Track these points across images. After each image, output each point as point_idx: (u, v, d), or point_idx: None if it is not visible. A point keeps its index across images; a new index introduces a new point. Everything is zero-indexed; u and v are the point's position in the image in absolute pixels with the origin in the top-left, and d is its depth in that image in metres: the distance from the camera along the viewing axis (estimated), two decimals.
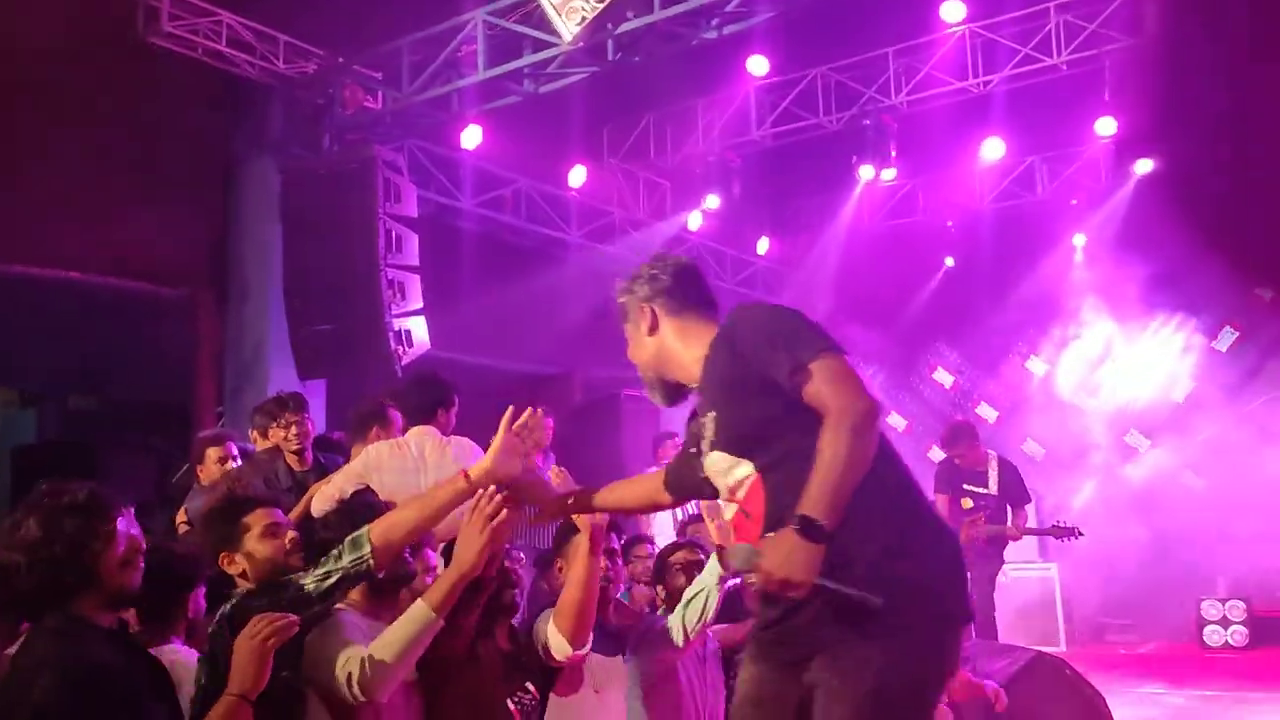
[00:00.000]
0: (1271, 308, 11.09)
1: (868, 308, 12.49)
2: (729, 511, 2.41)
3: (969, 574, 2.30)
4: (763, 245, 12.19)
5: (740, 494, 2.33)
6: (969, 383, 12.62)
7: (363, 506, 3.13)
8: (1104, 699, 5.91)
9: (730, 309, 2.45)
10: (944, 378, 12.82)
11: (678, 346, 2.51)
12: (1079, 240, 11.69)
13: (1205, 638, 8.65)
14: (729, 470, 2.35)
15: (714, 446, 2.36)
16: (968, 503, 6.98)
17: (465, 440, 4.81)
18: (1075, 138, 10.82)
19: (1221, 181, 10.29)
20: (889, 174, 10.47)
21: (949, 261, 12.45)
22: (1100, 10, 8.73)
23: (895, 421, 12.45)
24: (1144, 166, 9.97)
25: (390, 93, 8.31)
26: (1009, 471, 7.09)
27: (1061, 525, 7.20)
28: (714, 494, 2.48)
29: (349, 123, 8.37)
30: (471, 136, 8.56)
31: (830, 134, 10.01)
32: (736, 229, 11.49)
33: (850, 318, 12.44)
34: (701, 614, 3.59)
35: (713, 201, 10.40)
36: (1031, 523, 7.54)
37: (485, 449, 2.87)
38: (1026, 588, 8.84)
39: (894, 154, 9.77)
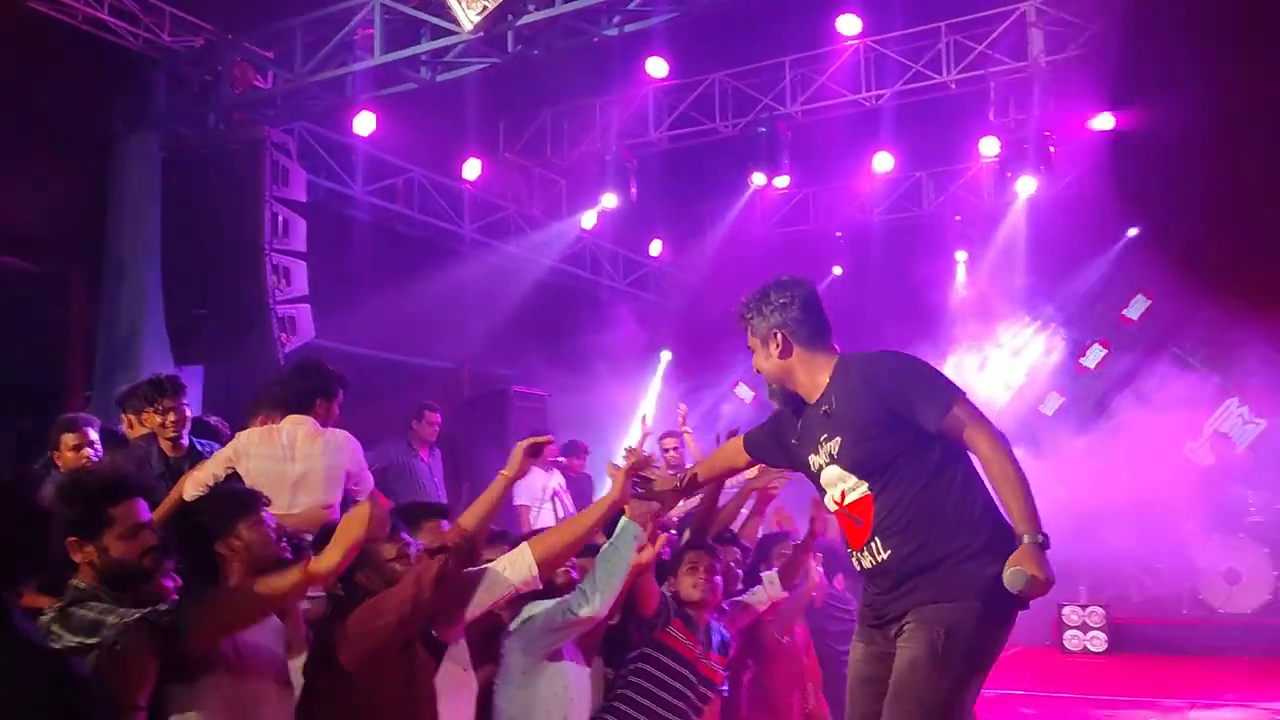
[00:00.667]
0: (1140, 326, 11.66)
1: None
2: (831, 507, 3.05)
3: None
4: (655, 247, 12.27)
5: (848, 502, 2.97)
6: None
7: (228, 493, 3.03)
8: None
9: (862, 352, 3.06)
10: (745, 393, 13.10)
11: (804, 372, 3.06)
12: (961, 256, 12.09)
13: (1065, 642, 8.99)
14: (842, 482, 2.97)
15: (833, 461, 2.97)
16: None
17: (342, 434, 4.70)
18: (961, 155, 11.20)
19: (1096, 201, 10.79)
20: (782, 181, 10.64)
21: (837, 270, 12.72)
22: (988, 32, 9.06)
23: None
24: (1026, 186, 10.34)
25: (281, 73, 8.07)
26: None
27: None
28: (786, 467, 3.41)
29: (237, 102, 8.10)
30: (365, 123, 8.38)
31: (725, 139, 10.14)
32: (630, 230, 11.52)
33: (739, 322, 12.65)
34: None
35: (610, 201, 10.41)
36: None
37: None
38: None
39: (787, 162, 9.95)
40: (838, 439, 2.95)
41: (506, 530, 4.16)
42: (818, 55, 9.66)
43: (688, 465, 8.13)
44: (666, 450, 8.28)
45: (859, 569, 3.03)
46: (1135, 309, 11.67)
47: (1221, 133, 9.93)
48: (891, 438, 2.88)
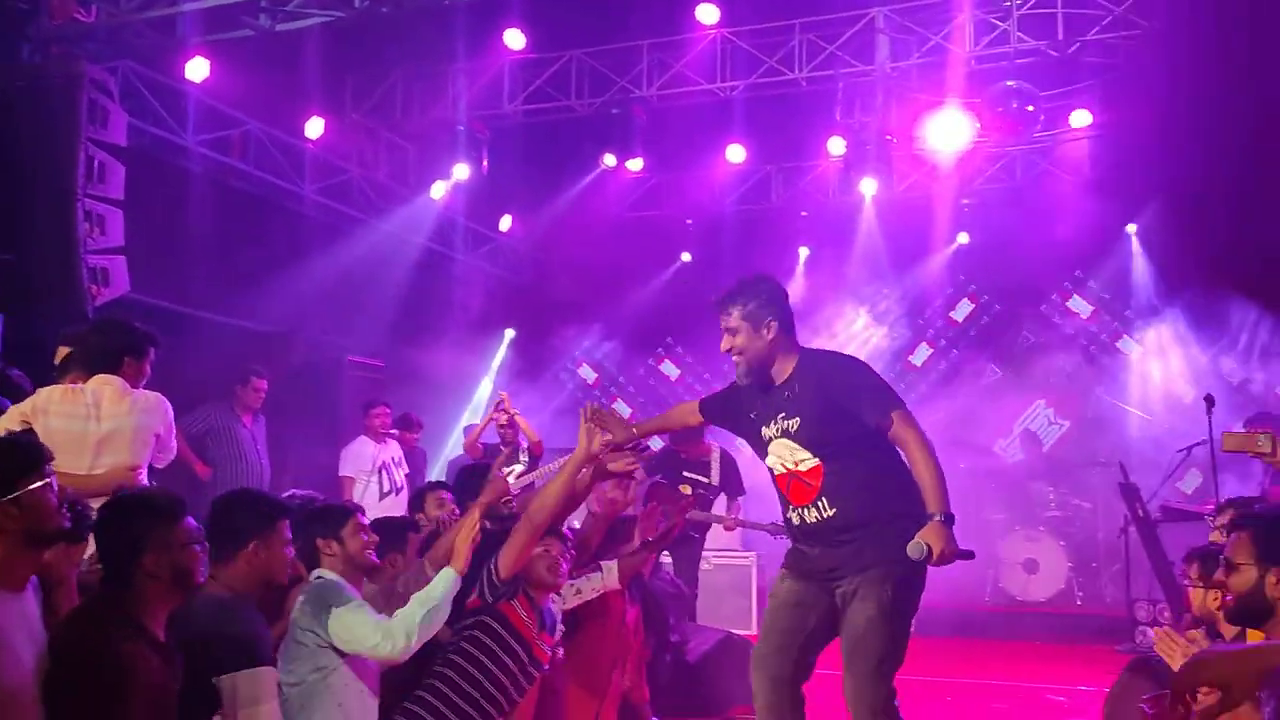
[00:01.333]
0: (964, 329, 12.24)
1: (606, 294, 12.72)
2: (779, 470, 3.68)
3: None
4: (505, 222, 12.10)
5: (801, 469, 3.62)
6: (694, 377, 13.10)
7: (17, 447, 2.79)
8: None
9: (826, 351, 4.03)
10: (670, 370, 13.25)
11: (778, 358, 3.67)
12: (803, 251, 12.40)
13: None
14: (791, 453, 3.63)
15: (787, 435, 3.62)
16: (687, 489, 7.23)
17: (153, 395, 4.45)
18: (810, 152, 11.47)
19: (934, 205, 11.26)
20: (635, 164, 10.68)
21: (686, 257, 12.87)
22: (839, 34, 9.29)
23: (620, 409, 12.74)
24: (869, 187, 10.66)
25: (106, 6, 7.56)
26: (729, 464, 7.41)
27: (778, 525, 7.60)
28: (730, 429, 4.00)
29: (55, 34, 7.53)
30: (198, 69, 7.94)
31: (580, 118, 10.08)
32: (480, 203, 11.32)
33: (587, 302, 12.64)
34: None
35: (461, 172, 10.21)
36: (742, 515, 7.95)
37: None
38: (726, 574, 9.26)
39: (641, 145, 9.97)
40: (796, 419, 3.62)
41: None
42: (676, 41, 9.70)
43: (522, 445, 8.14)
44: (501, 427, 8.22)
45: (798, 522, 3.67)
46: (961, 311, 12.24)
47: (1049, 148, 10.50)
48: (841, 425, 3.57)
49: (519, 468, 8.14)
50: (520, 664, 3.92)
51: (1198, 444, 7.46)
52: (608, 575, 4.75)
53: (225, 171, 9.13)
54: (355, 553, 3.66)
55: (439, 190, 10.79)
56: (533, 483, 8.21)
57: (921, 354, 12.30)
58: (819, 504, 3.58)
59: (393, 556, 4.15)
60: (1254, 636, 3.04)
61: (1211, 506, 6.32)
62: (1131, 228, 11.28)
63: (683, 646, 6.16)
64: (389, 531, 4.16)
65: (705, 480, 7.31)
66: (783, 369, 3.67)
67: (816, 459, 3.58)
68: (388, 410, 8.50)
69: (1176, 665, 3.16)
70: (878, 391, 3.64)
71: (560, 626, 4.38)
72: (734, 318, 3.66)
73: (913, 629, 3.52)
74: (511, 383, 8.91)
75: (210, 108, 8.78)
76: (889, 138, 9.96)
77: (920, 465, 3.49)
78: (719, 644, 6.30)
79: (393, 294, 10.32)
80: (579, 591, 4.65)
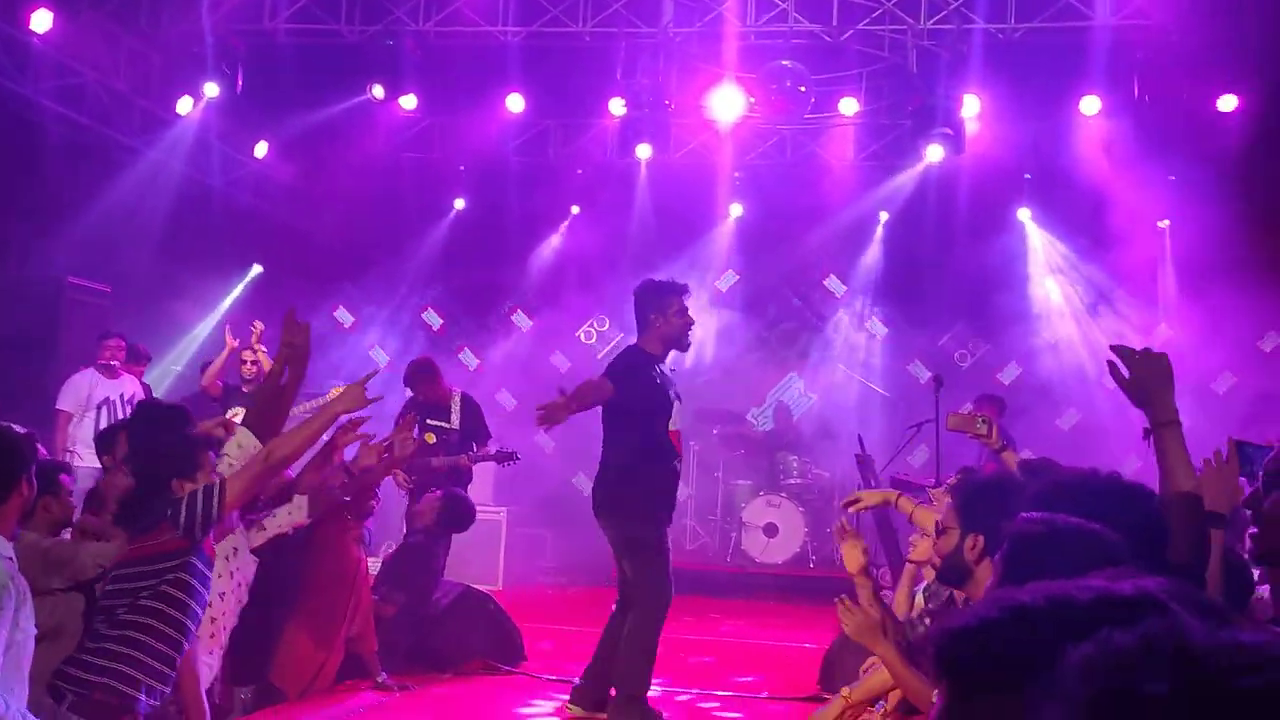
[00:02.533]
0: (726, 297, 12.54)
1: (374, 235, 12.18)
2: (675, 426, 5.37)
3: None
4: (261, 149, 11.29)
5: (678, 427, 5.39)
6: (458, 329, 12.81)
7: None
8: (520, 632, 6.25)
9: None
10: (433, 319, 12.89)
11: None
12: (575, 209, 12.32)
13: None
14: (678, 416, 5.42)
15: (678, 399, 5.40)
16: (431, 437, 7.09)
17: None
18: (591, 110, 11.36)
19: (709, 176, 11.44)
20: (408, 102, 10.22)
21: (459, 204, 12.52)
22: None
23: (378, 357, 12.29)
24: (644, 151, 10.68)
25: None
26: (470, 408, 7.33)
27: (503, 451, 7.55)
28: (638, 397, 5.26)
29: None
30: None
31: (350, 45, 9.54)
32: (233, 125, 10.50)
33: (350, 242, 12.06)
34: None
35: (211, 90, 9.43)
36: (490, 477, 7.85)
37: None
38: (476, 528, 9.13)
39: (415, 82, 9.54)
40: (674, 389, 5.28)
41: None
42: None
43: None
44: (245, 363, 7.76)
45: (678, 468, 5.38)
46: (725, 282, 12.55)
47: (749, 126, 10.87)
48: None
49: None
50: (204, 604, 3.68)
51: (926, 421, 7.94)
52: (296, 511, 4.55)
53: None
54: None
55: (186, 106, 9.94)
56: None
57: None
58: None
59: (45, 500, 3.79)
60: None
61: (933, 481, 6.76)
62: (884, 215, 11.88)
63: (422, 601, 6.01)
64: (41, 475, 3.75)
65: (446, 426, 7.22)
66: (668, 349, 5.36)
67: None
68: (121, 342, 7.89)
69: (848, 629, 3.62)
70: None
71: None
72: (657, 306, 5.23)
73: None
74: (258, 321, 8.33)
75: None
76: (668, 103, 10.01)
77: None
78: (458, 598, 6.18)
79: (124, 211, 9.42)
80: (263, 529, 4.41)
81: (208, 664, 4.07)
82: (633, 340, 5.51)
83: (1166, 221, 10.77)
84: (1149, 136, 9.59)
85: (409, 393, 7.35)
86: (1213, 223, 9.60)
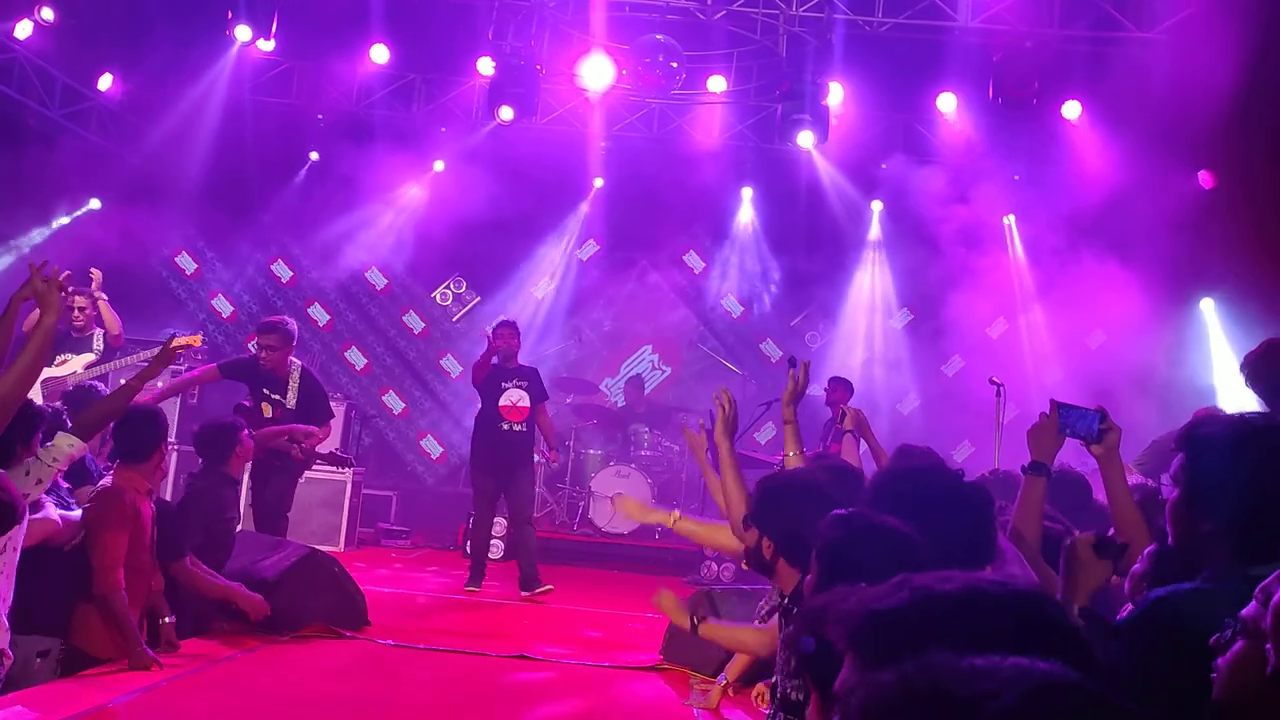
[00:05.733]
0: (585, 268, 12.54)
1: (221, 179, 11.61)
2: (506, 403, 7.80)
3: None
4: (105, 81, 10.63)
5: (522, 404, 7.89)
6: (307, 282, 12.40)
7: None
8: (363, 594, 6.14)
9: None
10: (283, 271, 12.44)
11: None
12: (439, 165, 12.06)
13: (466, 549, 9.48)
14: (520, 397, 7.88)
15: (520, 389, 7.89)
16: (267, 409, 6.75)
17: None
18: (458, 68, 11.12)
19: (574, 147, 11.38)
20: (267, 45, 9.80)
21: (314, 155, 12.08)
22: None
23: (222, 306, 11.77)
24: (506, 114, 10.56)
25: None
26: (310, 386, 6.88)
27: (338, 454, 7.44)
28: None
29: None
30: None
31: None
32: (73, 53, 9.84)
33: (197, 185, 11.47)
34: None
35: (47, 13, 8.80)
36: (336, 437, 7.70)
37: None
38: (321, 489, 8.92)
39: (273, 23, 9.13)
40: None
41: None
42: None
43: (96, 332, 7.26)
44: (73, 310, 7.29)
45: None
46: (586, 252, 12.55)
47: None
48: None
49: (90, 356, 7.27)
50: None
51: (775, 400, 8.14)
52: (70, 446, 4.23)
53: None
54: None
55: (24, 30, 9.28)
56: (107, 375, 7.37)
57: (544, 288, 12.48)
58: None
59: None
60: None
61: (779, 458, 6.94)
62: (747, 192, 12.09)
63: (258, 563, 5.83)
64: None
65: (280, 400, 6.77)
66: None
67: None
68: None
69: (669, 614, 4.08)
70: None
71: None
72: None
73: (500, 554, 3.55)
74: (93, 263, 7.83)
75: None
76: (539, 67, 9.90)
77: None
78: (299, 561, 6.01)
79: None
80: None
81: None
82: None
83: (1012, 217, 11.29)
84: (998, 136, 10.05)
85: (253, 349, 6.98)
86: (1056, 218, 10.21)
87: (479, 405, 7.93)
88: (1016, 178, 10.57)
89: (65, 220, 11.05)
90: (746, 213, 12.25)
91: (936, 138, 10.67)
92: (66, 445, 4.17)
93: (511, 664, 5.49)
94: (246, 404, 6.83)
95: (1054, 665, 0.93)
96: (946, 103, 9.96)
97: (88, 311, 7.34)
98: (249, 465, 6.40)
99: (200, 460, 5.78)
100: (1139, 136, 9.10)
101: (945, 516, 2.47)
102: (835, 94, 9.68)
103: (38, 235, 10.86)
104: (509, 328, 7.96)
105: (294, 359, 6.92)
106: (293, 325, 6.95)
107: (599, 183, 12.17)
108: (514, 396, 7.74)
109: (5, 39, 9.36)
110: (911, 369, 11.88)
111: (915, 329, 11.98)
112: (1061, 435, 2.87)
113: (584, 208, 12.37)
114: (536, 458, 8.36)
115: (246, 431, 5.81)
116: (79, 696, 4.06)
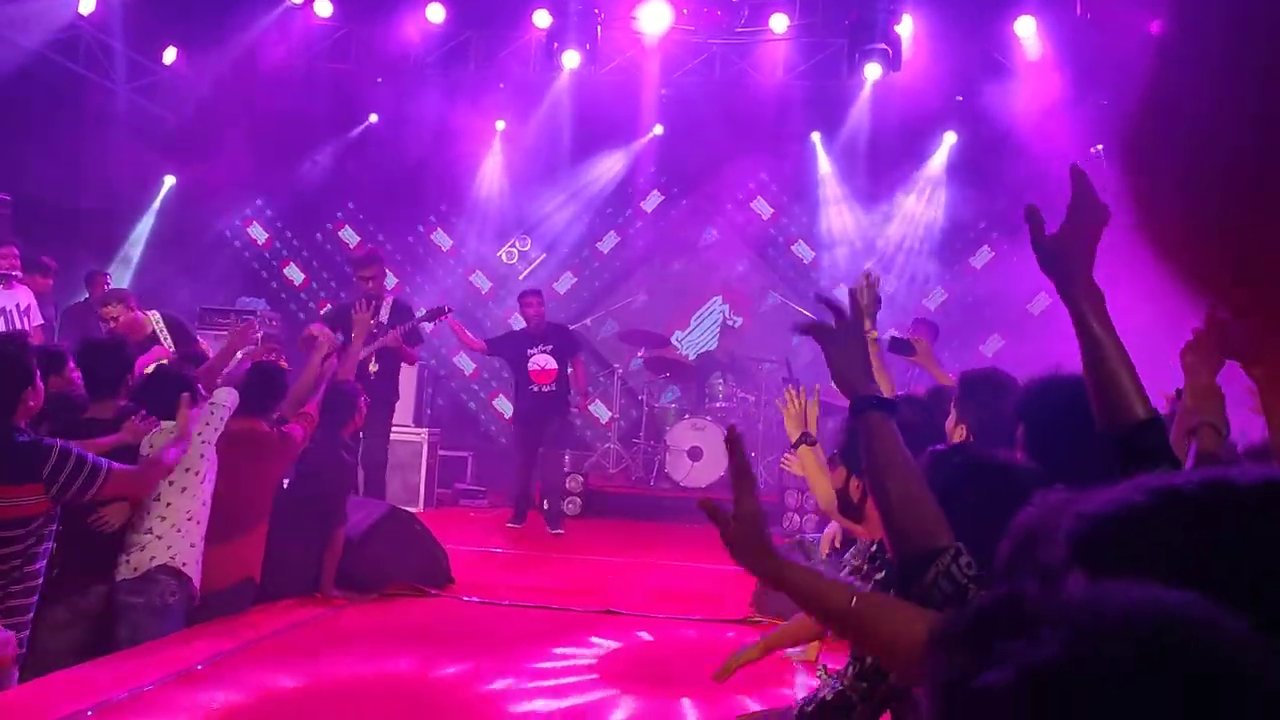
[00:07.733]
0: (651, 219, 12.34)
1: (285, 148, 11.63)
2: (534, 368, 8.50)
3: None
4: (170, 54, 10.67)
5: (550, 366, 8.45)
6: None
7: None
8: (446, 552, 6.11)
9: None
10: (349, 236, 12.45)
11: None
12: (500, 124, 11.93)
13: (543, 505, 9.46)
14: (545, 360, 8.57)
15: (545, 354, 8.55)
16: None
17: None
18: (514, 22, 10.95)
19: (633, 92, 11.13)
20: (324, 9, 9.73)
21: (373, 118, 12.04)
22: None
23: (294, 274, 11.82)
24: (571, 60, 10.39)
25: None
26: (400, 310, 7.95)
27: (432, 310, 8.07)
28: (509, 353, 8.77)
29: None
30: None
31: None
32: (138, 27, 9.87)
33: (262, 156, 11.48)
34: None
35: None
36: (410, 398, 8.17)
37: None
38: (399, 451, 8.94)
39: None
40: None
41: None
42: None
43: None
44: (107, 320, 6.89)
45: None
46: (651, 203, 12.33)
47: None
48: None
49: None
50: None
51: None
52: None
53: None
54: None
55: (88, 6, 9.33)
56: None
57: (609, 242, 12.32)
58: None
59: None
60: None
61: None
62: (816, 136, 11.74)
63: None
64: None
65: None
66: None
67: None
68: (15, 251, 7.45)
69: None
70: None
71: None
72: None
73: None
74: (169, 235, 7.90)
75: None
76: (597, 11, 9.68)
77: None
78: (381, 519, 5.99)
79: (22, 117, 8.85)
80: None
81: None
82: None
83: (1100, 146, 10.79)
84: (1083, 59, 9.54)
85: (362, 280, 7.62)
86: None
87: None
88: (1104, 103, 10.06)
89: (157, 198, 11.33)
90: (814, 155, 11.90)
91: (1015, 63, 10.17)
92: (224, 397, 4.78)
93: (598, 618, 5.42)
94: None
95: None
96: (1025, 26, 9.49)
97: (116, 322, 6.95)
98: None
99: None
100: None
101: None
102: (905, 24, 9.30)
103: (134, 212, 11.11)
104: (534, 295, 8.69)
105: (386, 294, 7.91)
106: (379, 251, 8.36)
107: (659, 129, 11.90)
108: (540, 361, 8.53)
109: (75, 16, 9.41)
110: (991, 309, 11.47)
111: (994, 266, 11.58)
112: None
113: (646, 158, 12.14)
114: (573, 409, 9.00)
115: (364, 397, 5.87)
116: (196, 649, 4.12)
